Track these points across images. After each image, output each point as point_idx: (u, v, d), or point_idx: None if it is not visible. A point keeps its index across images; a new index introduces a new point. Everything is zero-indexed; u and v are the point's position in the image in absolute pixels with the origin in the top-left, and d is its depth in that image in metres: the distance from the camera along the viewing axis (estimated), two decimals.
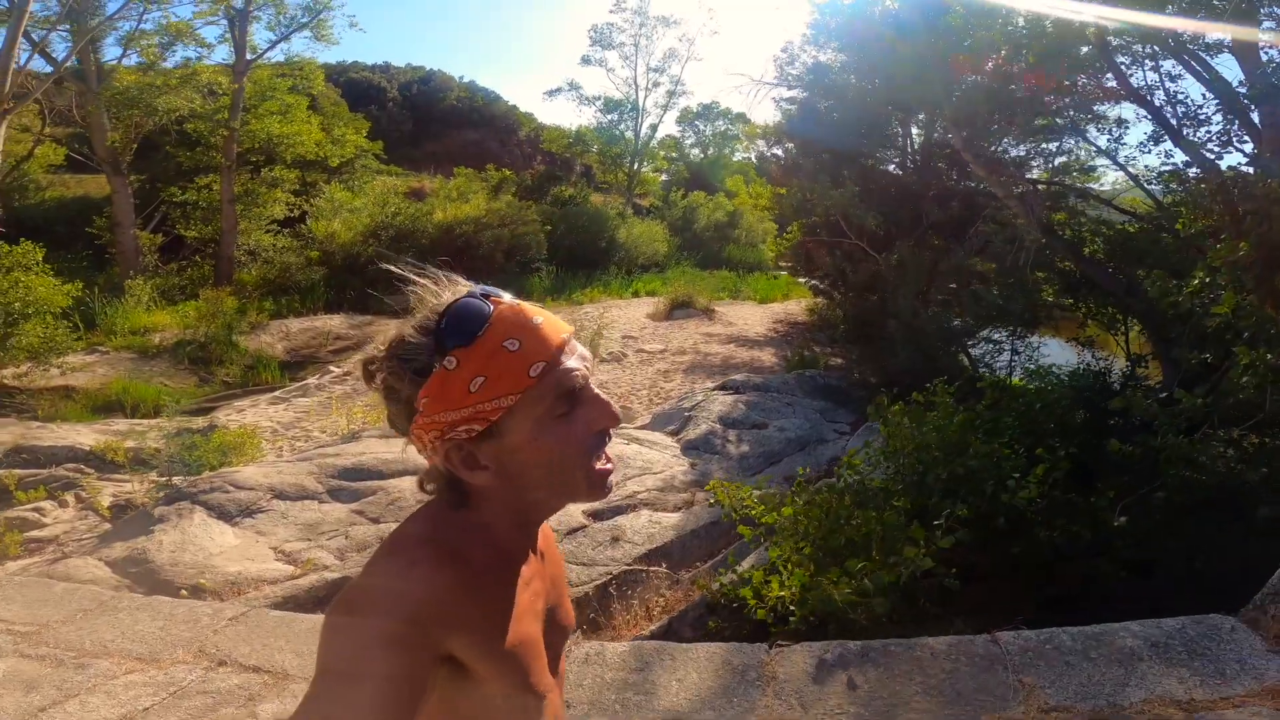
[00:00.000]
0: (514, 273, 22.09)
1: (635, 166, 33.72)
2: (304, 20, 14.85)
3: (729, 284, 23.27)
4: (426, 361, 0.69)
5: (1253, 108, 5.76)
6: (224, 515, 4.45)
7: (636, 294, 21.38)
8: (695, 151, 41.62)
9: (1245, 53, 5.63)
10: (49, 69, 11.99)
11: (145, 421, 6.12)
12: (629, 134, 34.13)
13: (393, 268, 0.78)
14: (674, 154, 41.07)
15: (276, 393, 8.69)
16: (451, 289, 0.75)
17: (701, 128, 40.96)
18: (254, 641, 2.31)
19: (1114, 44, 5.60)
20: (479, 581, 0.72)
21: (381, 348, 0.74)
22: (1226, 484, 2.83)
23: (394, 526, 3.30)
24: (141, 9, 12.11)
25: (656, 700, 2.01)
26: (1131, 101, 5.79)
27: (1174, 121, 5.66)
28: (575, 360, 0.74)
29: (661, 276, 23.50)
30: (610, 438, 0.77)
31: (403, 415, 0.73)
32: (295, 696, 1.97)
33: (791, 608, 2.34)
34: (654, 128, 35.24)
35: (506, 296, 0.75)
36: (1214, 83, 5.55)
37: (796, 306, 17.68)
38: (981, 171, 6.85)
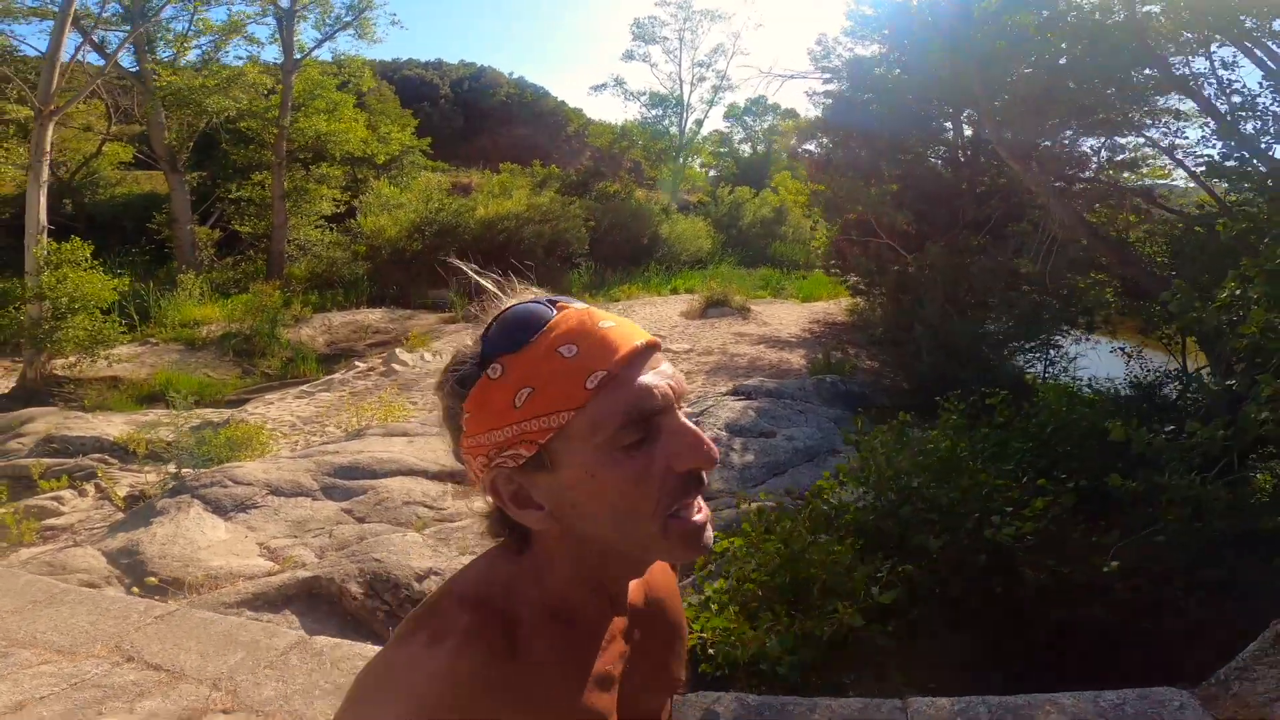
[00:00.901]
0: (554, 268, 22.27)
1: (680, 162, 33.52)
2: (348, 19, 15.28)
3: (772, 282, 22.84)
4: (472, 370, 0.60)
5: None
6: (219, 509, 4.57)
7: (675, 291, 21.22)
8: (745, 147, 41.07)
9: None
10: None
11: (178, 413, 6.38)
12: (674, 130, 33.94)
13: (471, 271, 0.69)
14: (722, 149, 40.65)
15: (304, 386, 8.96)
16: (519, 296, 0.65)
17: (750, 123, 40.39)
18: (167, 640, 2.34)
19: (1156, 27, 5.16)
20: (527, 650, 0.62)
21: (444, 371, 0.65)
22: (1236, 528, 2.52)
23: (376, 526, 3.25)
24: (194, 11, 12.72)
25: None
26: (1178, 91, 5.32)
27: (1226, 112, 5.18)
28: (654, 376, 0.60)
29: (702, 273, 23.26)
30: (705, 482, 0.62)
31: (455, 439, 0.63)
32: (180, 697, 1.98)
33: (710, 650, 2.19)
34: (699, 123, 34.98)
35: (578, 304, 0.64)
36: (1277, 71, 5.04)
37: (837, 307, 17.19)
38: (1016, 165, 6.44)
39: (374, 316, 14.53)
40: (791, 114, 34.60)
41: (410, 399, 8.26)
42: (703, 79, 33.30)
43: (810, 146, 13.29)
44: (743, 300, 16.09)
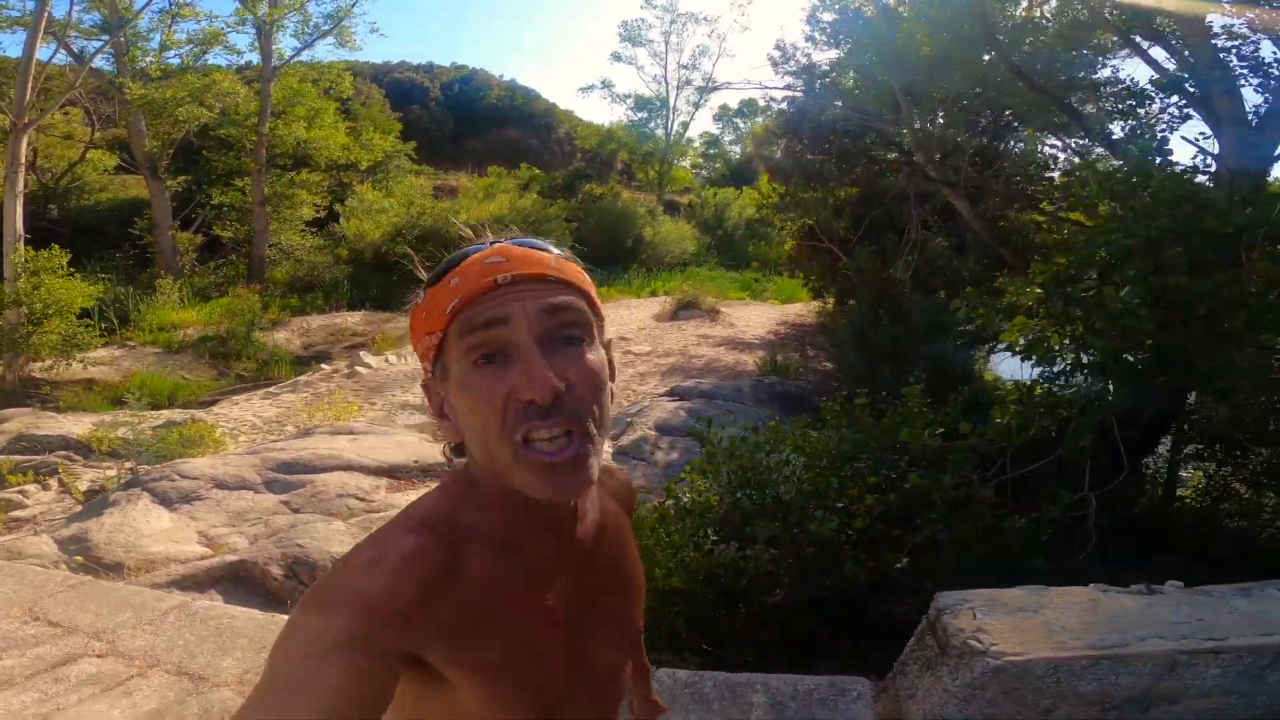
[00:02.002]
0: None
1: (665, 164, 33.90)
2: (326, 28, 15.68)
3: (751, 283, 23.22)
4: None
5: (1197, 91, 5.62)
6: (165, 501, 4.96)
7: (654, 293, 21.51)
8: (735, 149, 41.41)
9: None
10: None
11: (136, 413, 6.77)
12: (660, 132, 34.34)
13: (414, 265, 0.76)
14: (711, 150, 41.02)
15: (271, 388, 9.35)
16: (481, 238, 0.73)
17: (741, 124, 40.72)
18: (70, 605, 2.73)
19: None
20: (468, 577, 0.65)
21: None
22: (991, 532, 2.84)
23: (309, 516, 3.77)
24: (171, 21, 13.14)
25: None
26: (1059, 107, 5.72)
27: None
28: (509, 308, 0.64)
29: (684, 275, 23.61)
30: (551, 417, 0.63)
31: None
32: (66, 646, 2.39)
33: None
34: (685, 125, 35.36)
35: (509, 243, 0.70)
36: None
37: (808, 309, 17.59)
38: (930, 168, 6.83)
39: (352, 319, 14.92)
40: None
41: (370, 400, 8.66)
42: (688, 82, 33.70)
43: (775, 150, 13.69)
44: (713, 302, 16.46)
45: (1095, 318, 2.67)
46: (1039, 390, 2.77)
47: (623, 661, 0.82)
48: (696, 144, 39.29)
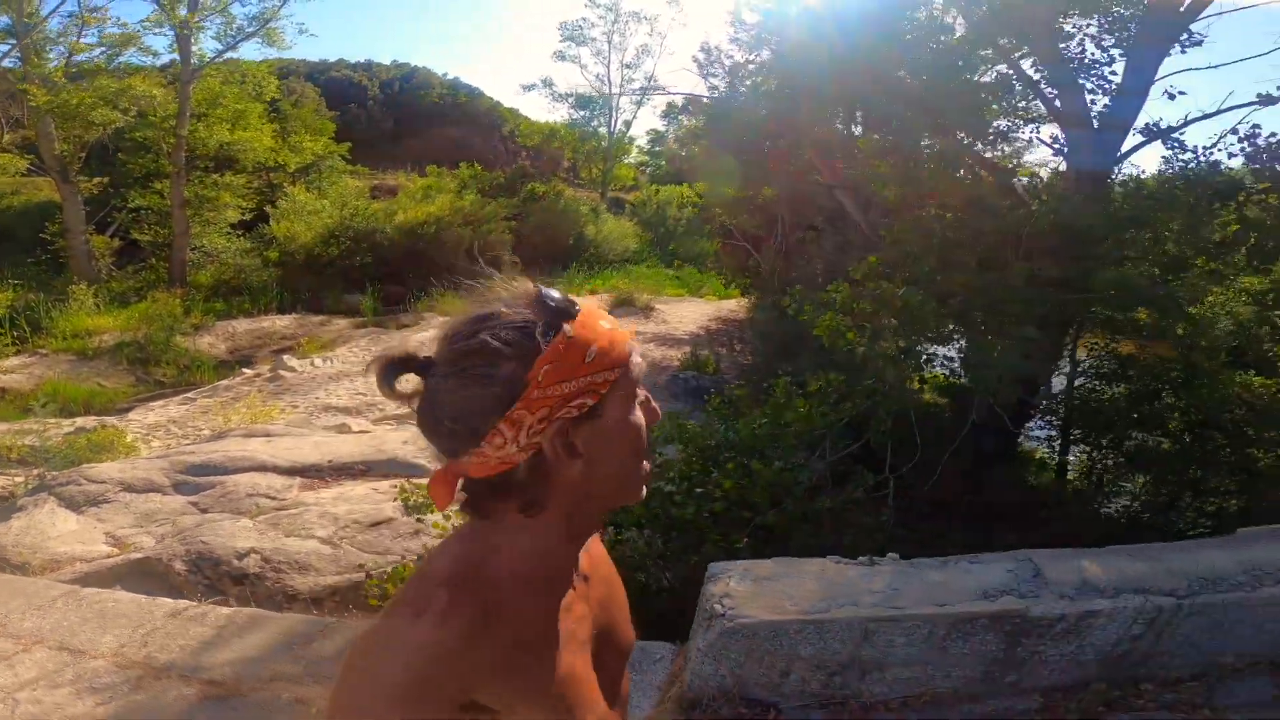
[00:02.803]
0: (475, 271, 22.56)
1: (609, 162, 34.20)
2: (251, 30, 15.43)
3: (690, 280, 23.73)
4: (530, 333, 0.67)
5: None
6: (72, 505, 5.07)
7: (594, 291, 21.70)
8: (677, 147, 41.83)
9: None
10: None
11: (43, 420, 6.75)
12: (603, 129, 34.61)
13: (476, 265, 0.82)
14: (657, 147, 41.41)
15: (191, 393, 9.32)
16: (516, 284, 0.75)
17: (685, 121, 41.18)
18: None
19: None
20: (507, 621, 0.68)
21: (445, 334, 0.71)
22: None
23: (217, 515, 4.09)
24: (80, 26, 12.77)
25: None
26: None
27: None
28: (637, 354, 0.75)
29: (624, 273, 23.90)
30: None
31: (490, 400, 0.66)
32: None
33: None
34: (629, 123, 35.72)
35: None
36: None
37: (740, 304, 18.19)
38: (820, 166, 7.32)
39: (281, 323, 14.78)
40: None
41: (293, 403, 8.75)
42: (631, 80, 34.04)
43: (691, 151, 14.17)
44: (648, 299, 16.84)
45: (884, 313, 3.13)
46: (835, 380, 3.22)
47: (624, 671, 0.88)
48: (641, 141, 39.67)
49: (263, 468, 5.78)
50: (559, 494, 0.71)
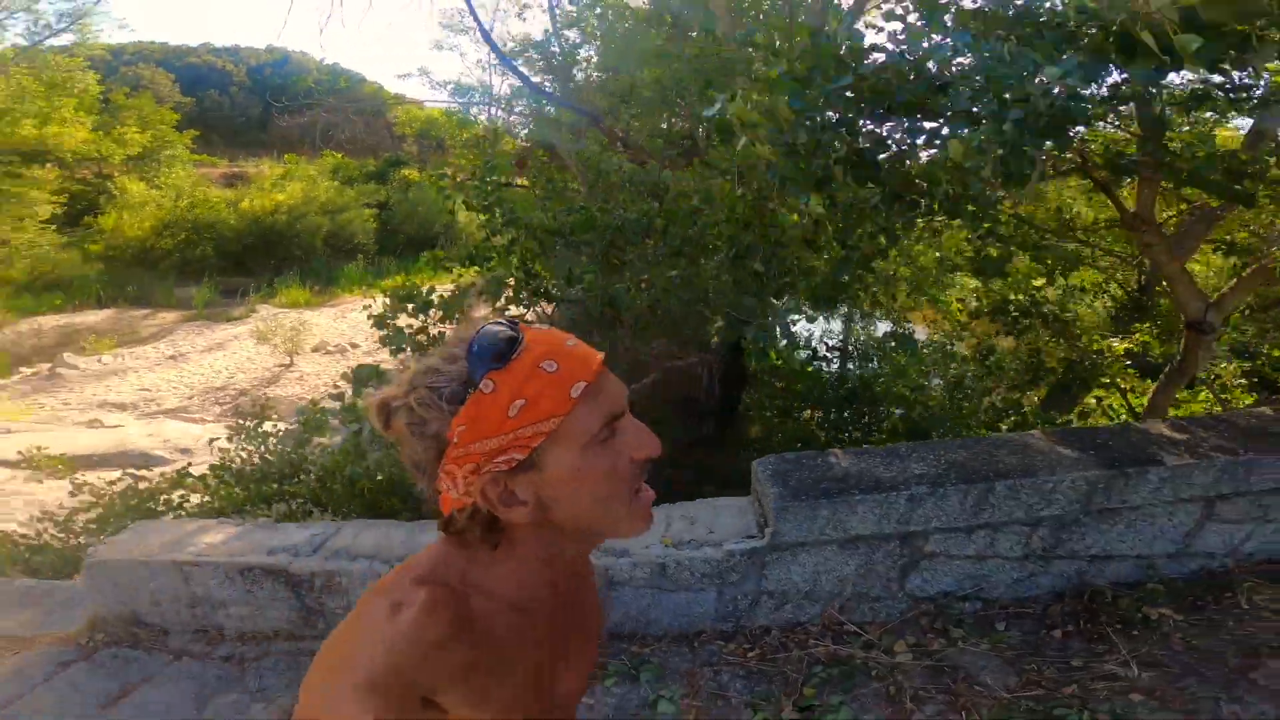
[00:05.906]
0: (334, 261, 22.17)
1: (489, 150, 33.95)
2: (61, 26, 14.68)
3: None
4: (460, 389, 0.65)
5: None
6: None
7: (460, 278, 21.70)
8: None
9: None
10: None
11: None
12: (484, 117, 34.29)
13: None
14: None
15: None
16: (473, 323, 0.70)
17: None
18: None
19: None
20: (478, 632, 0.69)
21: (400, 386, 0.68)
22: None
23: None
24: None
25: None
26: None
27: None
28: (616, 384, 0.71)
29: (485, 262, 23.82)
30: (648, 469, 0.73)
31: (431, 452, 0.66)
32: None
33: None
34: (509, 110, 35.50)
35: (538, 326, 0.73)
36: None
37: None
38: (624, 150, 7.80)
39: (95, 319, 14.20)
40: None
41: (65, 400, 8.60)
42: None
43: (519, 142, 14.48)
44: None
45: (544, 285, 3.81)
46: None
47: (582, 690, 0.86)
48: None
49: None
50: (525, 530, 0.71)
